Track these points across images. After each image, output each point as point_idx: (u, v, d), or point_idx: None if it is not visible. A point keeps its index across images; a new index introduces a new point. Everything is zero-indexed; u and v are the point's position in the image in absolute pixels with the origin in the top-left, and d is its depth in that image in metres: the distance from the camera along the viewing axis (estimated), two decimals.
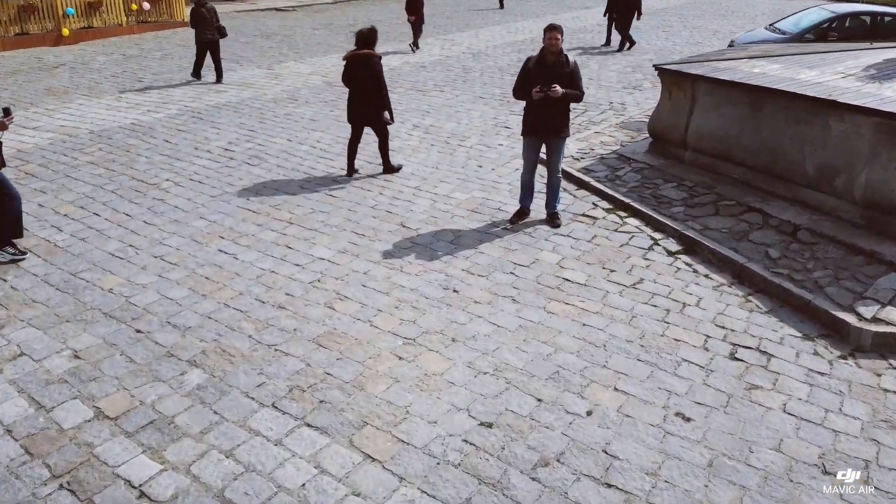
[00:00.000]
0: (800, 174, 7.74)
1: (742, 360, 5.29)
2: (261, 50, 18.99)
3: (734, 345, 5.49)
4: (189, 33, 16.67)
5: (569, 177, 9.13)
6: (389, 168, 9.33)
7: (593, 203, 8.36)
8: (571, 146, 9.94)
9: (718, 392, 4.90)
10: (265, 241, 7.21)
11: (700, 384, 4.98)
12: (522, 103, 7.62)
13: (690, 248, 7.19)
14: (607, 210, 8.16)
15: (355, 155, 9.24)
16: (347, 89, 8.97)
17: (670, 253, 7.11)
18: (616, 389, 4.89)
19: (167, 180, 8.95)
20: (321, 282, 6.39)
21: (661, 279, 6.56)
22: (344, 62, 8.93)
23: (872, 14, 15.09)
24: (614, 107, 13.09)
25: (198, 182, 8.88)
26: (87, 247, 6.96)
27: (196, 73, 15.03)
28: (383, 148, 9.21)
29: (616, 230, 7.62)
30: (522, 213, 7.98)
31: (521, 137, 7.83)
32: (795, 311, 5.96)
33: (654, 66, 9.85)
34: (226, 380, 4.90)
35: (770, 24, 16.44)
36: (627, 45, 19.07)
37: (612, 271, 6.70)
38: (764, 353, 5.40)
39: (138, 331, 5.49)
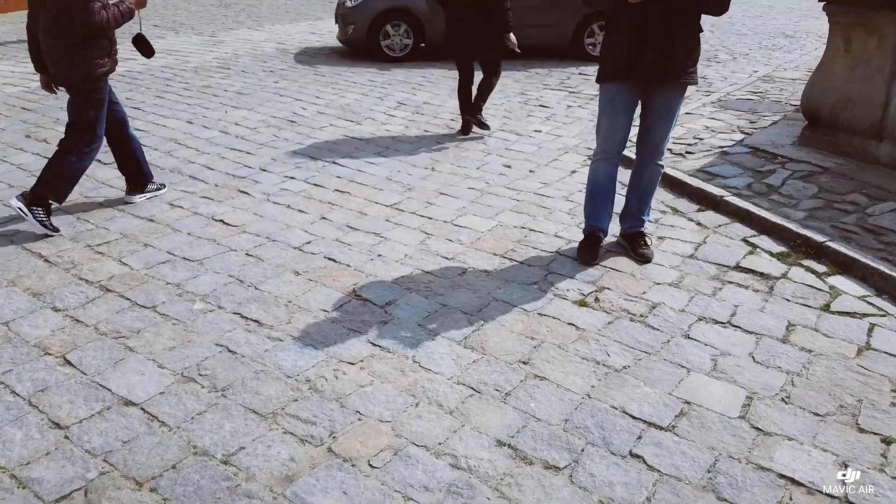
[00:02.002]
0: None
1: None
2: (210, 17, 14.81)
3: None
4: None
5: (674, 184, 4.96)
6: (479, 121, 6.20)
7: (745, 240, 4.17)
8: None
9: None
10: None
11: None
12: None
13: None
14: (781, 256, 3.97)
15: (470, 102, 6.15)
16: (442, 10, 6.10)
17: None
18: None
19: None
20: None
21: None
22: None
23: None
24: None
25: None
26: None
27: None
28: (485, 89, 6.16)
29: (826, 307, 3.44)
30: (594, 241, 3.91)
31: (599, 86, 3.76)
32: None
33: None
34: None
35: None
36: None
37: None
38: None
39: None
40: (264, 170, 5.23)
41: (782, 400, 2.78)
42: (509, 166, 5.46)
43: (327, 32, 12.74)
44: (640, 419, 2.61)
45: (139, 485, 2.26)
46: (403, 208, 4.57)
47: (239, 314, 3.25)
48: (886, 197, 4.54)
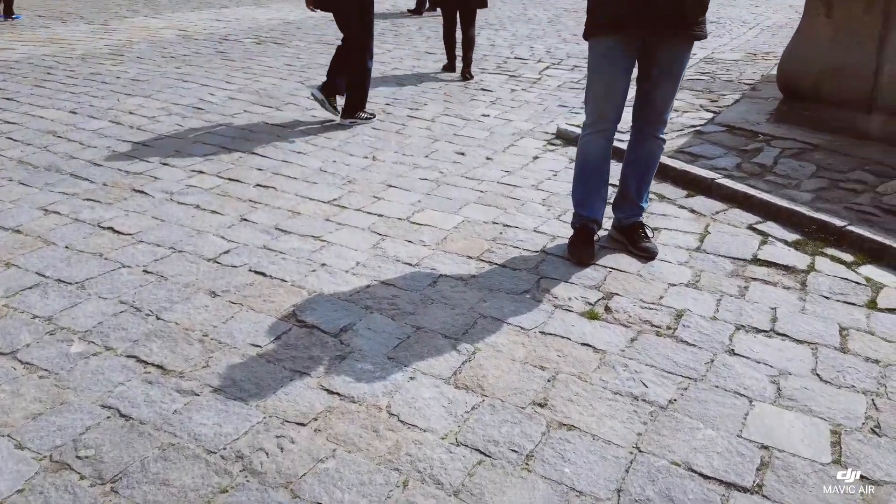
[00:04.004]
0: None
1: None
2: (102, 6, 13.36)
3: None
4: None
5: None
6: (467, 70, 7.10)
7: (752, 228, 3.56)
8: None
9: None
10: None
11: None
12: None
13: None
14: (798, 245, 3.38)
15: (455, 46, 7.23)
16: None
17: None
18: None
19: None
20: None
21: None
22: None
23: None
24: None
25: None
26: None
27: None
28: (469, 45, 7.05)
29: (872, 304, 2.84)
30: (588, 235, 3.22)
31: (589, 43, 3.05)
32: None
33: None
34: None
35: None
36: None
37: None
38: None
39: None
40: (165, 164, 4.26)
41: (873, 431, 2.14)
42: (463, 153, 4.69)
43: (234, 20, 11.62)
44: (714, 478, 1.89)
45: None
46: (346, 204, 3.73)
47: (135, 357, 2.34)
48: (893, 174, 4.04)
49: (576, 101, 6.18)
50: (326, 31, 10.08)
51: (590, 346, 2.48)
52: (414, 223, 3.51)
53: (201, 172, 4.13)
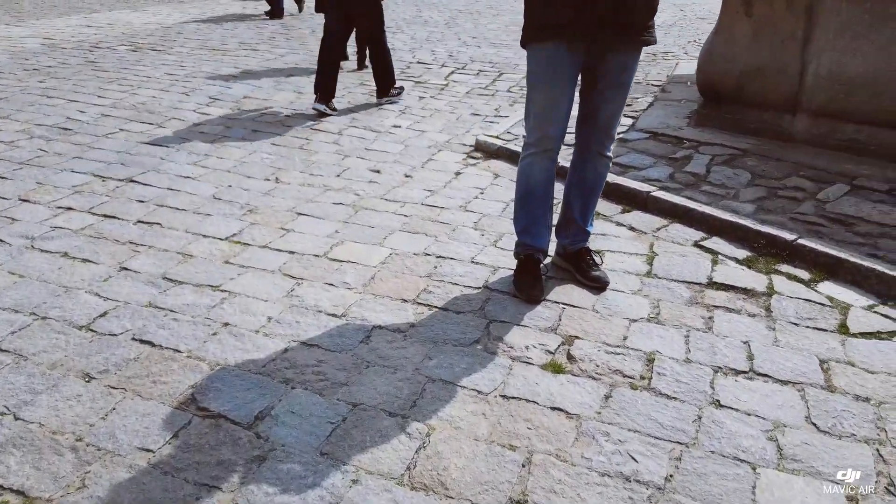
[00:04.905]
0: None
1: None
2: None
3: None
4: None
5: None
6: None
7: (699, 246, 3.31)
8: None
9: None
10: None
11: None
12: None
13: None
14: (749, 263, 3.15)
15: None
16: None
17: None
18: None
19: None
20: None
21: None
22: None
23: None
24: None
25: None
26: None
27: None
28: (362, 42, 7.18)
29: (843, 329, 2.62)
30: (534, 267, 2.86)
31: (528, 50, 2.68)
32: None
33: None
34: None
35: None
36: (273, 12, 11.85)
37: None
38: None
39: None
40: (25, 200, 3.56)
41: (888, 490, 1.87)
42: (378, 171, 4.23)
43: (106, 25, 10.59)
44: None
45: None
46: (248, 240, 3.19)
47: None
48: (829, 178, 3.91)
49: (487, 109, 5.85)
50: (210, 36, 9.31)
51: (561, 410, 2.10)
52: (333, 260, 3.03)
53: (69, 209, 3.47)
